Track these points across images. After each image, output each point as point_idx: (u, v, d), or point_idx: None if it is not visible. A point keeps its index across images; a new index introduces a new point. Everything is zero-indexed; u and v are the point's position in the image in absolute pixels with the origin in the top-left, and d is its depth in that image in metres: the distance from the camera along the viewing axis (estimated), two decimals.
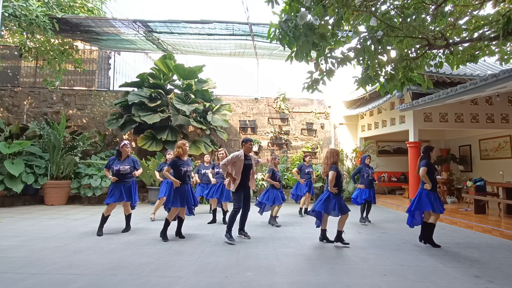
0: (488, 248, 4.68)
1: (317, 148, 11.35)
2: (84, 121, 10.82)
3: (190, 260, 3.81)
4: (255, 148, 11.01)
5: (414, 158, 8.11)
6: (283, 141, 11.31)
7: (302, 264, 3.74)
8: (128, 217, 5.35)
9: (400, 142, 11.09)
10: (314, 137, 11.54)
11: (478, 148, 10.16)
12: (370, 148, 10.65)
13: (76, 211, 7.42)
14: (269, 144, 11.26)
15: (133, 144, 10.74)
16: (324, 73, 3.65)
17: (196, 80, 10.21)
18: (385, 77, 3.81)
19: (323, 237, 4.84)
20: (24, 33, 8.57)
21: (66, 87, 11.01)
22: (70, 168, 8.74)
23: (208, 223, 6.16)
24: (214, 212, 6.42)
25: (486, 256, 4.24)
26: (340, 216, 4.66)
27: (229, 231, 4.73)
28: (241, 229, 5.06)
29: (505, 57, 4.12)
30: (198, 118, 9.92)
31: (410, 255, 4.22)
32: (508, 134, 8.97)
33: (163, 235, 4.75)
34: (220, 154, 6.08)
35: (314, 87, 3.71)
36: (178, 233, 4.95)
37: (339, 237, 4.67)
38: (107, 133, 10.69)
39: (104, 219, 5.10)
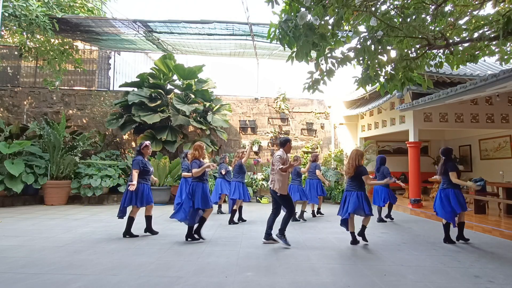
0: (488, 248, 4.68)
1: (317, 148, 11.35)
2: (84, 121, 10.82)
3: (190, 260, 3.81)
4: (255, 148, 11.02)
5: (414, 158, 8.12)
6: None
7: (302, 264, 3.73)
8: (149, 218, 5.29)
9: (400, 142, 11.08)
10: (314, 137, 11.53)
11: (478, 148, 10.16)
12: (370, 148, 10.65)
13: (76, 211, 7.42)
14: (269, 144, 11.26)
15: (133, 144, 10.74)
16: (325, 73, 3.65)
17: (196, 80, 10.21)
18: (385, 77, 3.82)
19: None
20: (24, 33, 8.57)
21: (66, 87, 11.01)
22: (70, 168, 8.74)
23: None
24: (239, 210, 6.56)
25: (486, 256, 4.24)
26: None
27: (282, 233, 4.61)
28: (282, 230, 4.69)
29: (505, 57, 4.13)
30: (198, 118, 9.92)
31: (410, 255, 4.22)
32: (508, 134, 8.96)
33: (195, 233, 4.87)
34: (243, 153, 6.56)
35: (315, 87, 3.72)
36: (198, 232, 4.83)
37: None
38: (107, 133, 10.69)
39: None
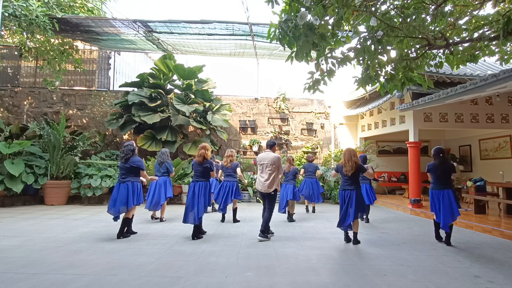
0: (488, 248, 4.68)
1: (317, 148, 11.35)
2: (84, 121, 10.82)
3: (190, 260, 3.81)
4: (255, 148, 11.02)
5: (414, 158, 8.12)
6: (283, 141, 11.32)
7: (302, 264, 3.73)
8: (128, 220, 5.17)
9: (400, 142, 11.09)
10: (314, 137, 11.54)
11: (478, 148, 10.16)
12: (370, 148, 10.65)
13: (76, 211, 7.42)
14: None
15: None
16: (325, 74, 3.65)
17: (196, 80, 10.21)
18: (385, 77, 3.81)
19: None
20: (24, 33, 8.57)
21: (66, 87, 11.01)
22: (70, 168, 8.74)
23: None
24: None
25: (486, 256, 4.24)
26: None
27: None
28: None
29: (505, 57, 4.13)
30: (198, 118, 9.92)
31: (410, 255, 4.22)
32: (508, 134, 8.97)
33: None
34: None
35: (315, 87, 3.71)
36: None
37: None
38: (107, 133, 10.69)
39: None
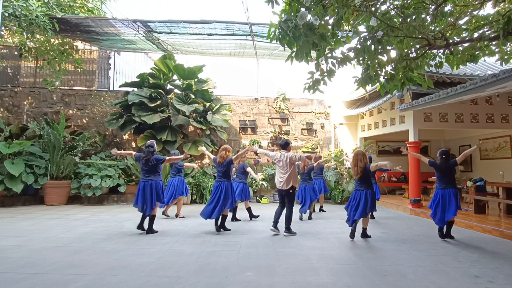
0: (488, 248, 4.68)
1: (317, 148, 11.35)
2: (84, 121, 10.82)
3: (190, 260, 3.81)
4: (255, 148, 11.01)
5: (414, 158, 8.12)
6: None
7: (302, 264, 3.73)
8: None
9: (400, 142, 11.08)
10: (314, 137, 11.53)
11: (478, 148, 10.15)
12: (370, 148, 10.65)
13: (76, 211, 7.42)
14: (269, 144, 11.26)
15: (133, 144, 10.75)
16: (325, 74, 3.65)
17: (196, 80, 10.21)
18: (385, 77, 3.82)
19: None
20: (24, 33, 8.57)
21: (66, 87, 11.01)
22: (70, 168, 8.74)
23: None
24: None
25: (486, 256, 4.24)
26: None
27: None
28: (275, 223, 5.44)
29: (505, 57, 4.13)
30: (198, 118, 9.92)
31: (410, 255, 4.22)
32: (508, 134, 8.96)
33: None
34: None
35: (315, 87, 3.72)
36: (222, 226, 5.51)
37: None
38: (107, 133, 10.69)
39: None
